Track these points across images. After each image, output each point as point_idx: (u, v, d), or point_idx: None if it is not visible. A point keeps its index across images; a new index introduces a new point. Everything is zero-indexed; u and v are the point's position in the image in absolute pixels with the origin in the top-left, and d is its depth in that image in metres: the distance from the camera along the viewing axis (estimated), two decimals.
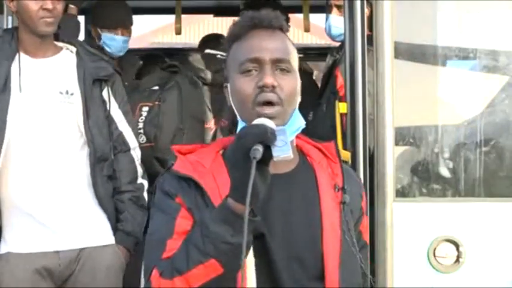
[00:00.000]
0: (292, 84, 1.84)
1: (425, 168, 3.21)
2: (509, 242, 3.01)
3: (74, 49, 3.17)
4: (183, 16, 5.42)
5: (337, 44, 3.97)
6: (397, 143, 3.12)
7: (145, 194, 3.27)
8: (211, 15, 6.50)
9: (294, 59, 1.88)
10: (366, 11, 3.17)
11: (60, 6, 3.06)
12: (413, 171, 3.22)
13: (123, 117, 3.23)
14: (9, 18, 3.43)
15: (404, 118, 3.14)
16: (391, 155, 3.04)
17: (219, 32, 4.68)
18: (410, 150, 3.26)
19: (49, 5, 3.00)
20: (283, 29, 1.90)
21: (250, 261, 1.75)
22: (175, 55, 5.66)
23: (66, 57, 3.14)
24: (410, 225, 3.01)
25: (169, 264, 1.72)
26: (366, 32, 3.16)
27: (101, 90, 3.16)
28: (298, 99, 1.88)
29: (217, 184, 1.81)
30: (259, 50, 1.83)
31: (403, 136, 3.20)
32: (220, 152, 1.90)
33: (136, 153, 3.26)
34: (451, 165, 3.22)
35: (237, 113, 1.85)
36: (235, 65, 1.85)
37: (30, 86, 3.04)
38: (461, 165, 3.21)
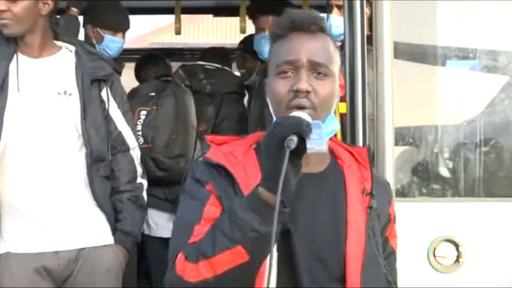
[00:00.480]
0: (328, 89, 1.83)
1: (425, 168, 3.20)
2: (509, 242, 3.01)
3: (73, 48, 3.16)
4: (183, 16, 5.43)
5: (338, 44, 3.96)
6: (397, 143, 3.11)
7: (144, 194, 3.26)
8: (211, 15, 6.51)
9: (334, 62, 1.88)
10: (366, 11, 3.17)
11: (18, 8, 2.99)
12: (413, 171, 3.21)
13: (122, 117, 3.22)
14: None
15: (404, 118, 3.14)
16: (391, 155, 3.03)
17: (218, 32, 4.97)
18: (410, 150, 3.26)
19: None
20: (324, 31, 1.90)
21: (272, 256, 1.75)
22: (175, 55, 5.68)
23: (65, 57, 3.14)
24: (410, 225, 3.00)
25: (196, 248, 1.73)
26: (366, 32, 3.15)
27: (100, 90, 3.16)
28: (335, 102, 1.88)
29: (248, 175, 1.81)
30: (297, 53, 1.83)
31: (403, 136, 3.19)
32: (253, 146, 1.91)
33: (135, 153, 3.25)
34: (451, 165, 3.21)
35: (271, 110, 1.86)
36: (274, 65, 1.86)
37: (28, 86, 3.03)
38: (461, 165, 3.20)
